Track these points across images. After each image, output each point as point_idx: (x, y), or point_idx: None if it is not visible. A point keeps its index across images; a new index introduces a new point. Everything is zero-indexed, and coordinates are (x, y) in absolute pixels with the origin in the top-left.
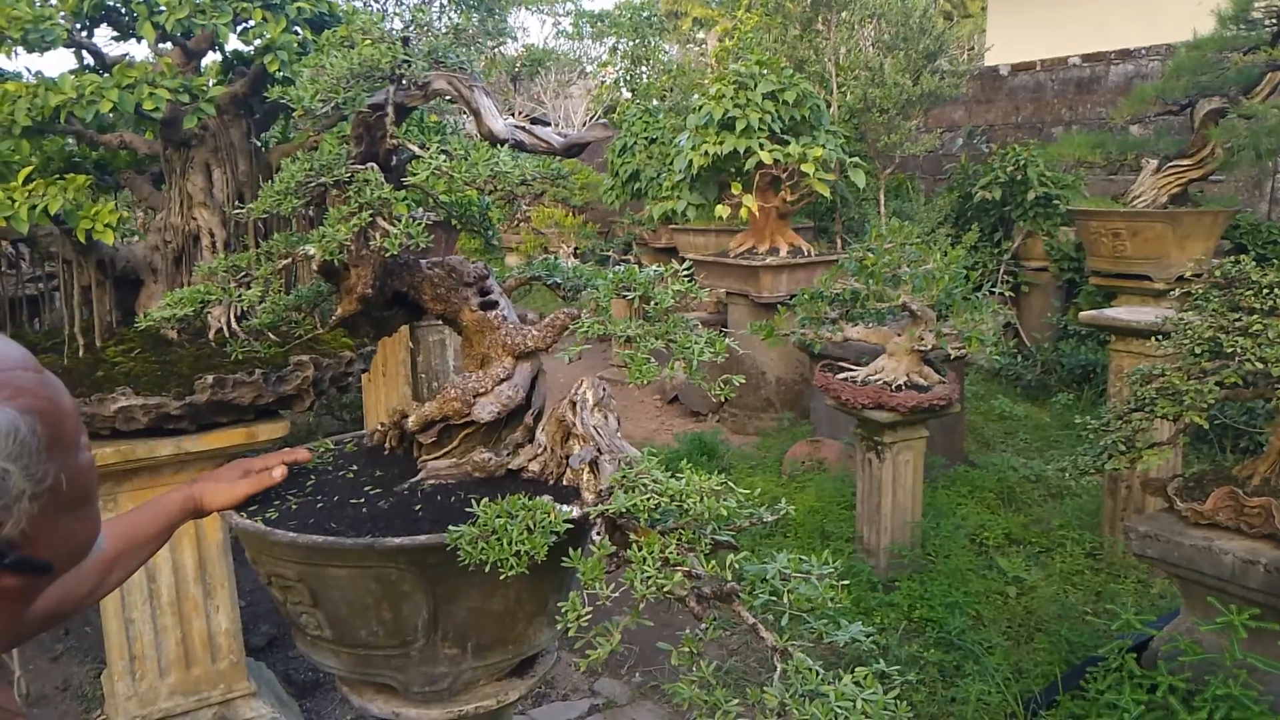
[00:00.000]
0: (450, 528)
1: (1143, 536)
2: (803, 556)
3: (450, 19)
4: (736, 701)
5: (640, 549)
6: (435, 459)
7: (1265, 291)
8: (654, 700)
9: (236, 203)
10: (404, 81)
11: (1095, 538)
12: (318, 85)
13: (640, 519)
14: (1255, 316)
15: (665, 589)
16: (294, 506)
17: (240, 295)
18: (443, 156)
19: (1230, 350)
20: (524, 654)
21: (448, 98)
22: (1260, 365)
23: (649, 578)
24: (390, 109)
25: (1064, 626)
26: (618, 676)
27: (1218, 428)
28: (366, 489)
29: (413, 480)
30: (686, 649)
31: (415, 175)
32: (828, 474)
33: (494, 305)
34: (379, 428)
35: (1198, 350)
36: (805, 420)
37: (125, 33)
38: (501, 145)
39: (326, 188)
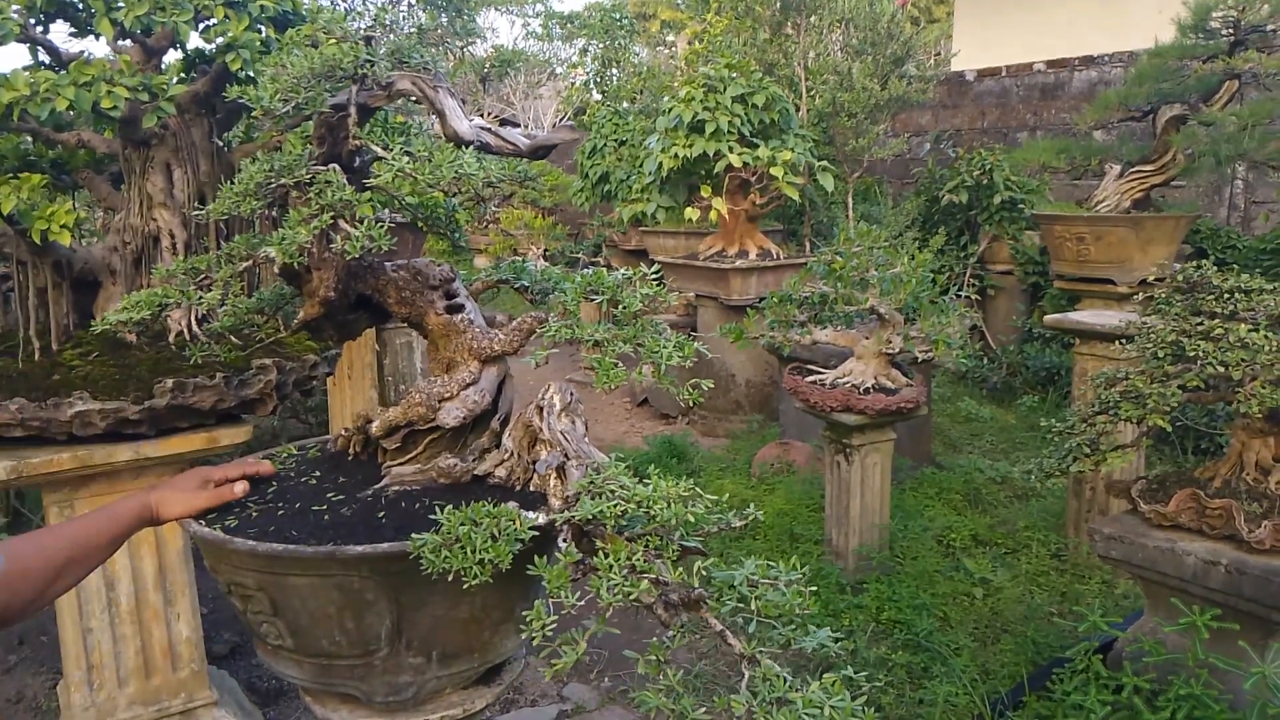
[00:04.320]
0: (413, 536)
1: (1107, 538)
2: (770, 562)
3: (418, 18)
4: (704, 710)
5: (607, 556)
6: (400, 465)
7: (1226, 296)
8: (623, 705)
9: (197, 204)
10: (367, 82)
11: (1060, 539)
12: (278, 85)
13: (607, 525)
14: (1216, 321)
15: (632, 596)
16: (254, 514)
17: (200, 298)
18: (406, 158)
19: (1192, 354)
20: (491, 662)
21: (413, 99)
22: (1221, 369)
23: (615, 585)
24: (353, 109)
25: (1030, 627)
26: (586, 681)
27: (1180, 430)
28: (329, 496)
29: (376, 487)
30: (653, 657)
31: (378, 177)
32: (796, 476)
33: (460, 308)
34: (343, 433)
35: (1160, 354)
36: (774, 422)
37: (83, 29)
38: (466, 147)
39: (287, 189)
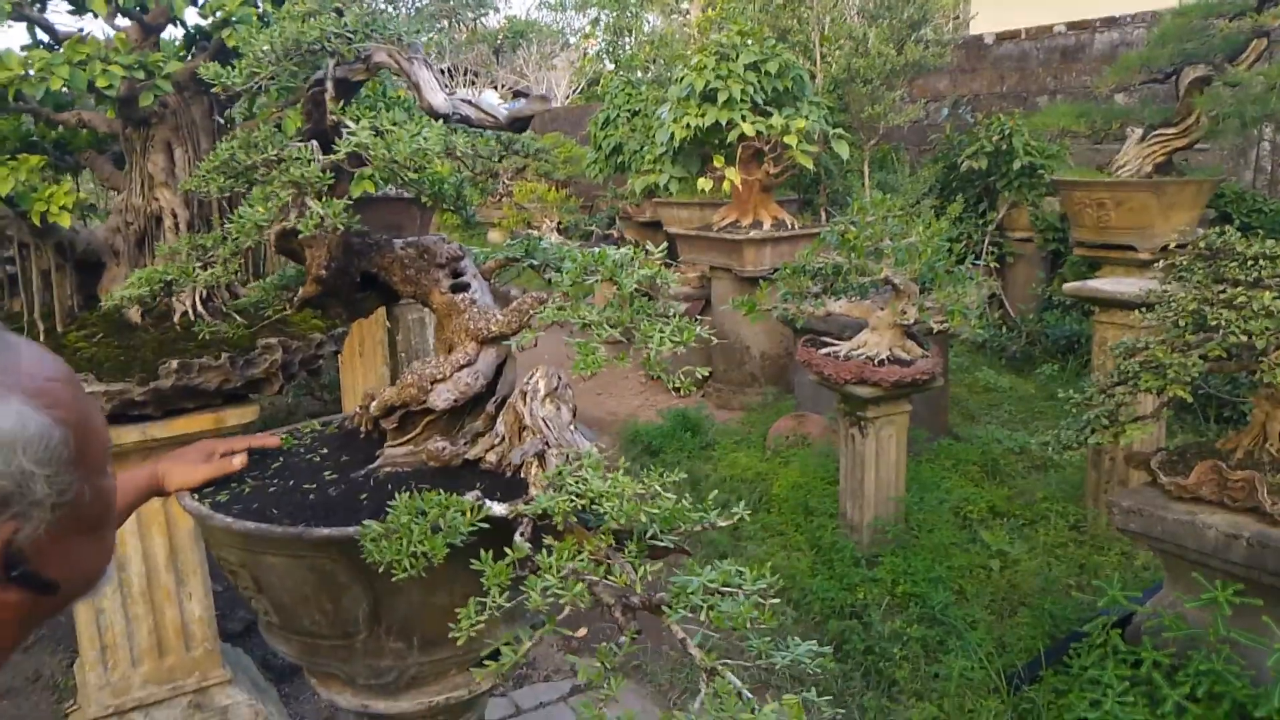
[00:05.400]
0: (364, 523)
1: (1126, 511)
2: (740, 569)
3: None
4: None
5: (550, 554)
6: (394, 446)
7: (1250, 263)
8: (636, 680)
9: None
10: (342, 56)
11: (1079, 510)
12: (243, 62)
13: (557, 521)
14: (1240, 289)
15: (563, 601)
16: (247, 490)
17: (199, 276)
18: (367, 133)
19: (1214, 323)
20: (478, 650)
21: (393, 71)
22: (1244, 338)
23: (548, 588)
24: (329, 84)
25: (1047, 600)
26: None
27: (1201, 398)
28: (325, 474)
29: (370, 468)
30: (600, 663)
31: (337, 153)
32: (811, 449)
33: (465, 287)
34: (358, 410)
35: (1182, 323)
36: (789, 395)
37: (80, 7)
38: (442, 119)
39: (256, 166)
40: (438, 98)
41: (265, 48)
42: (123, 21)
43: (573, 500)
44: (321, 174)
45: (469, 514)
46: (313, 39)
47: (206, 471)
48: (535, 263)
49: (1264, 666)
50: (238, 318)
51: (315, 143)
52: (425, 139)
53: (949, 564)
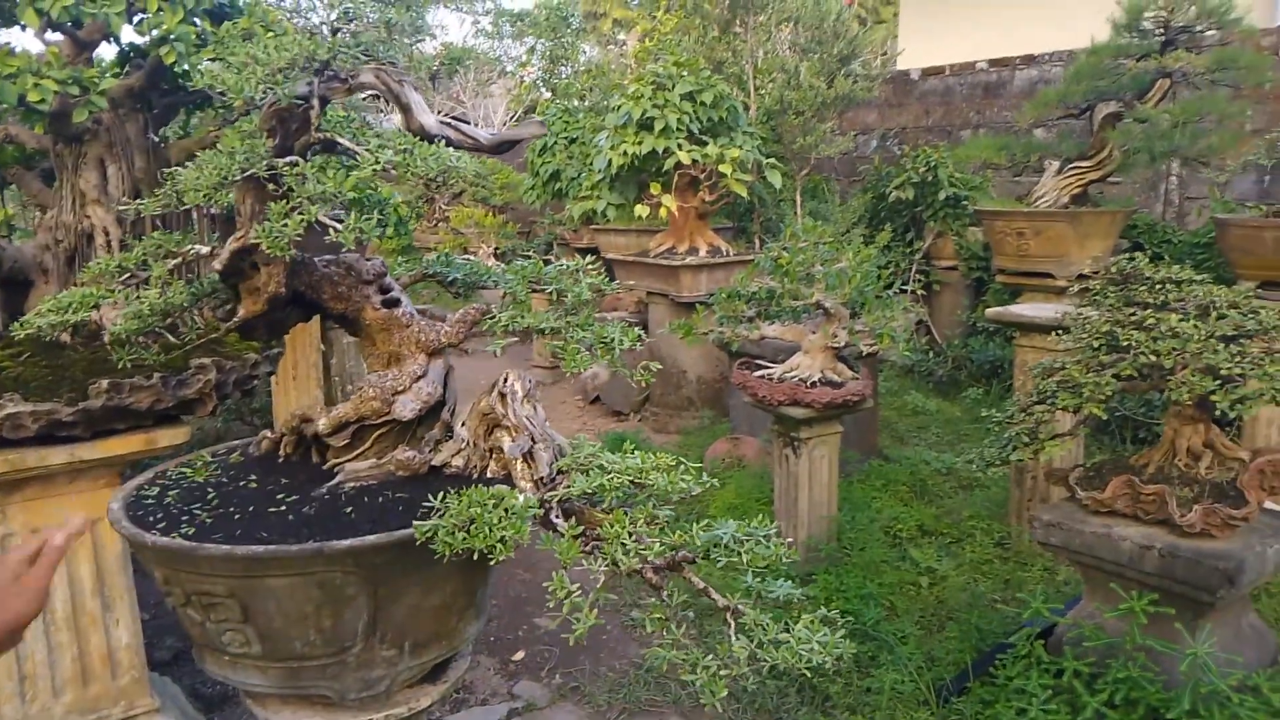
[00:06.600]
0: (415, 523)
1: (1046, 525)
2: (744, 522)
3: (385, 12)
4: (712, 657)
5: (613, 526)
6: (352, 461)
7: (1158, 286)
8: (573, 701)
9: (132, 199)
10: (325, 74)
11: (1003, 527)
12: (257, 75)
13: (606, 499)
14: (1149, 311)
15: (649, 559)
16: (209, 521)
17: (139, 297)
18: (387, 151)
19: (1125, 343)
20: (455, 649)
21: (368, 92)
22: (1153, 358)
23: (630, 551)
24: (316, 101)
25: (974, 615)
26: (537, 679)
27: (1118, 419)
28: (280, 497)
29: (331, 484)
30: (658, 615)
31: (360, 170)
32: (747, 471)
33: (397, 302)
34: (267, 435)
35: (1096, 344)
36: (725, 418)
37: (8, 20)
38: (432, 141)
39: (260, 180)
40: (429, 119)
41: (285, 59)
42: (53, 36)
43: (617, 478)
44: (341, 190)
45: (522, 503)
46: (324, 55)
47: (44, 576)
48: (455, 277)
49: (1176, 671)
50: (171, 336)
51: (299, 159)
52: (447, 158)
53: (880, 581)
